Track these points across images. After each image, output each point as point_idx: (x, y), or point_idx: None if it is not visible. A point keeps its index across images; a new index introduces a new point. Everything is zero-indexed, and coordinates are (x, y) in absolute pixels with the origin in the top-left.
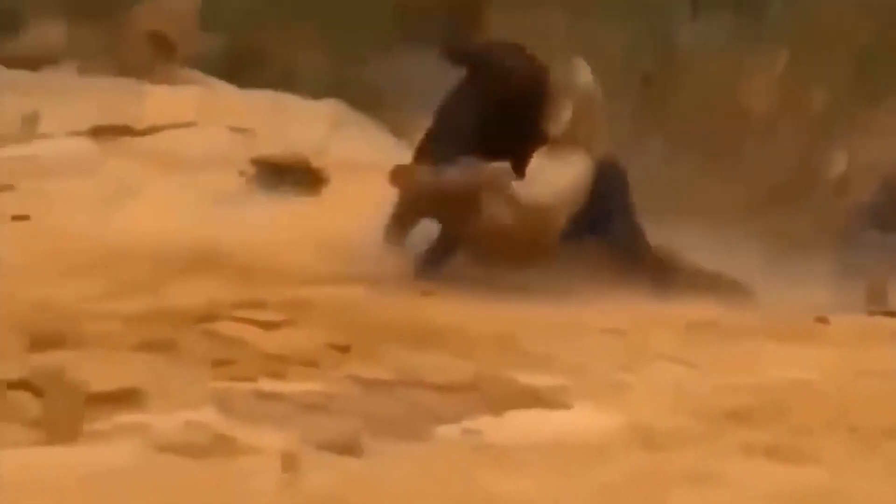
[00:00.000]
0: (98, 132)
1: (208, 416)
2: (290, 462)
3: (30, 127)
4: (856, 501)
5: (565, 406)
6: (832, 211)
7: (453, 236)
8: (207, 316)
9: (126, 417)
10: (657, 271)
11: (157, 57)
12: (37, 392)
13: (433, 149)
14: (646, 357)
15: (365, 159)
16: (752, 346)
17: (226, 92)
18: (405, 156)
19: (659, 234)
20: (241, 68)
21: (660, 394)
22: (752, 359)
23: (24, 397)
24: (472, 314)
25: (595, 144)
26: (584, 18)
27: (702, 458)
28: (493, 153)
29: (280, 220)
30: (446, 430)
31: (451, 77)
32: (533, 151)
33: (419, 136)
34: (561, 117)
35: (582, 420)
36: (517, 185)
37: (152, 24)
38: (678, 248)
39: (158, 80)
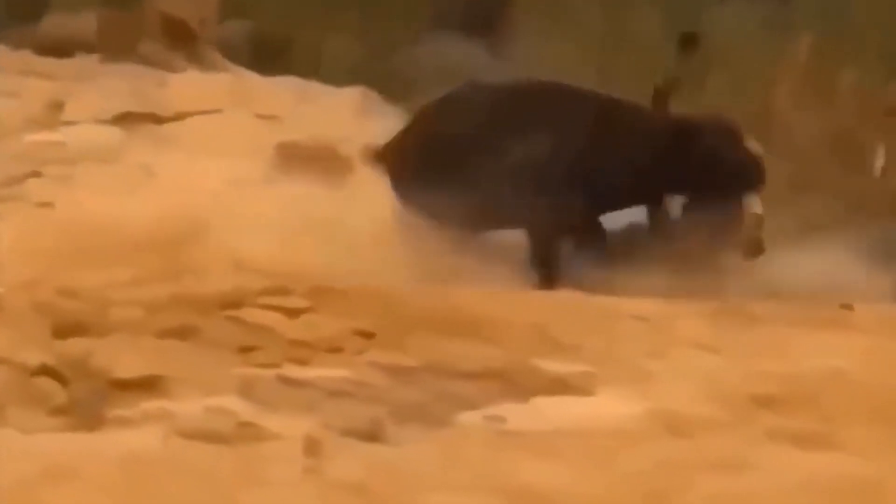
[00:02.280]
0: (123, 119)
1: (232, 402)
2: (313, 448)
3: (55, 113)
4: (884, 489)
5: (591, 393)
6: (862, 198)
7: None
8: (232, 303)
9: (150, 404)
10: None
11: (177, 44)
12: (61, 379)
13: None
14: (673, 344)
15: None
16: (779, 334)
17: (252, 79)
18: None
19: None
20: (266, 56)
21: (687, 381)
22: (780, 346)
23: (48, 384)
24: (497, 301)
25: None
26: (614, 2)
27: (729, 445)
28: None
29: (305, 208)
30: (470, 417)
31: (480, 65)
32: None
33: None
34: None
35: (608, 407)
36: None
37: (171, 10)
38: None
39: (180, 68)
